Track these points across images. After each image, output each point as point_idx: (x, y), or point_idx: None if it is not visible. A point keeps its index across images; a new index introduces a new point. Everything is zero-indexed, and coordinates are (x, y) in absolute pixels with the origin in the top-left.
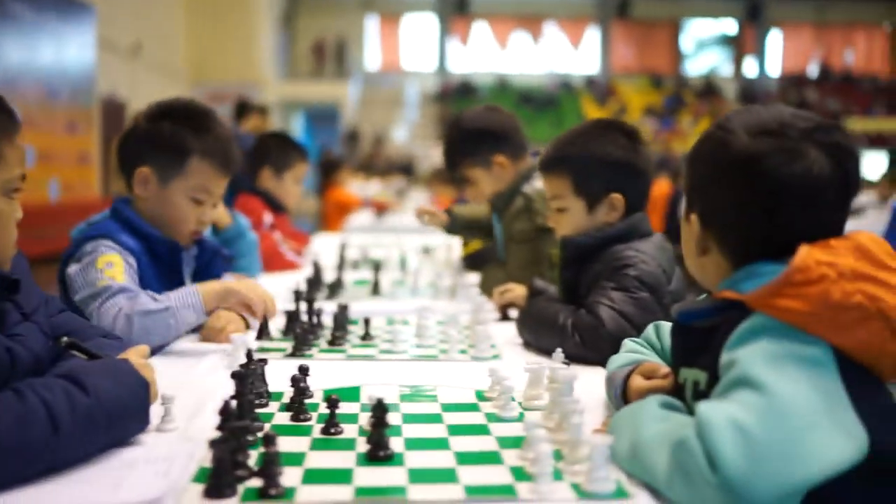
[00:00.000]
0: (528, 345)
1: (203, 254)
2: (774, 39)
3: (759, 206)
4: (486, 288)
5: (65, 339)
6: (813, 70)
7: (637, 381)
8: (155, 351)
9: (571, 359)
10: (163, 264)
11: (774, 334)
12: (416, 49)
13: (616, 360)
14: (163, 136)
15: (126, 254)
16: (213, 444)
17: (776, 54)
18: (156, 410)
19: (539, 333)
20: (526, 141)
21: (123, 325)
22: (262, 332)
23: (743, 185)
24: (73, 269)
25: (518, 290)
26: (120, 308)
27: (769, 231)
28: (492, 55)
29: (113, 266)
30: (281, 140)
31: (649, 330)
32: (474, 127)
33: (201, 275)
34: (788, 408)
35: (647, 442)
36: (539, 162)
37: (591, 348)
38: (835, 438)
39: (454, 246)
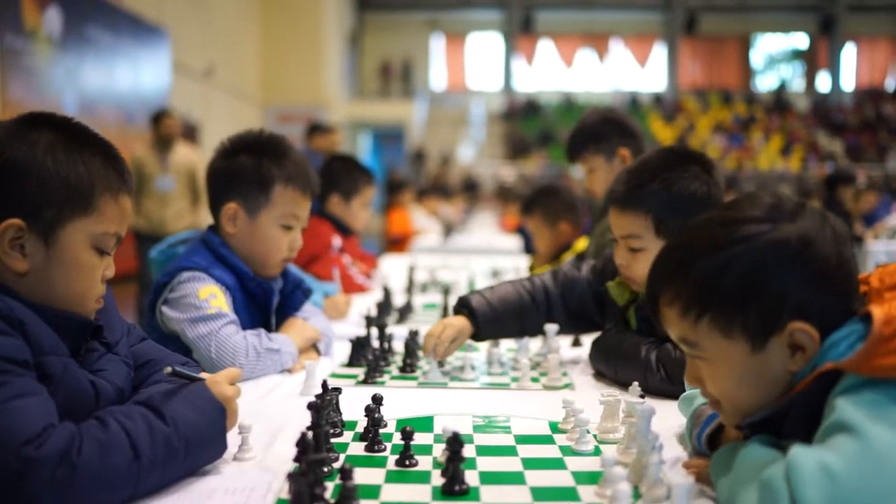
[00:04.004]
0: (601, 374)
1: (286, 285)
2: (849, 53)
3: (830, 281)
4: None
5: (168, 368)
6: (890, 84)
7: (735, 433)
8: None
9: (655, 393)
10: (255, 302)
11: (876, 386)
12: (482, 68)
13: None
14: (243, 170)
15: (223, 289)
16: (292, 477)
17: (850, 68)
18: (233, 439)
19: (617, 366)
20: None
21: (253, 357)
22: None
23: (809, 267)
24: (171, 296)
25: None
26: (245, 337)
27: (838, 303)
28: (557, 73)
29: (217, 297)
30: (348, 164)
31: None
32: (607, 117)
33: (282, 306)
34: (884, 455)
35: (747, 465)
36: (609, 197)
37: (679, 384)
38: None
39: (522, 269)
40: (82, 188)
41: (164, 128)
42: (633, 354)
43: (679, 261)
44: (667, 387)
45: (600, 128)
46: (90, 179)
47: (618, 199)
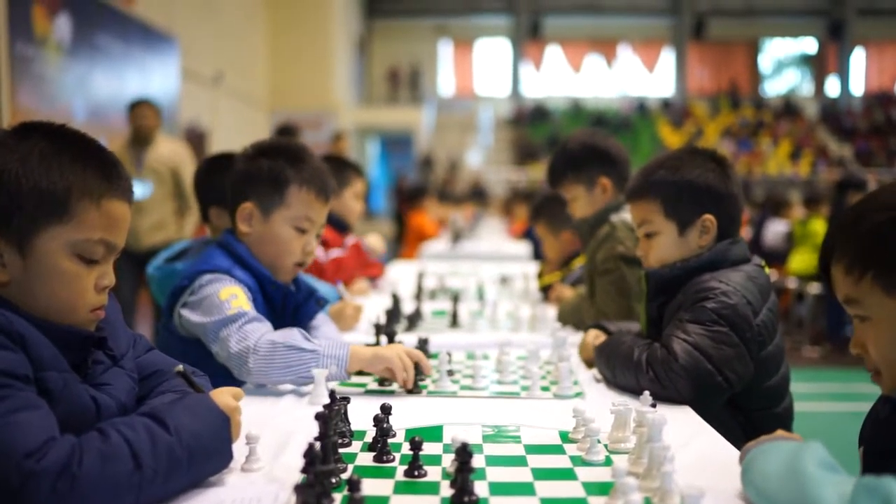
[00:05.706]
0: (606, 379)
1: (298, 293)
2: (858, 58)
3: None
4: (564, 318)
5: (179, 366)
6: None
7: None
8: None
9: (651, 396)
10: (273, 308)
11: None
12: (490, 74)
13: None
14: (261, 171)
15: (244, 288)
16: (299, 489)
17: (860, 73)
18: (240, 450)
19: (615, 370)
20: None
21: (266, 350)
22: (413, 391)
23: None
24: (192, 299)
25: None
26: (263, 334)
27: None
28: (565, 79)
29: (237, 297)
30: (335, 161)
31: None
32: (586, 144)
33: (294, 315)
34: None
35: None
36: (627, 191)
37: (666, 384)
38: None
39: (531, 276)
40: (56, 194)
41: (134, 118)
42: (628, 357)
43: (851, 218)
44: (656, 388)
45: (580, 156)
46: (65, 185)
47: (630, 191)
